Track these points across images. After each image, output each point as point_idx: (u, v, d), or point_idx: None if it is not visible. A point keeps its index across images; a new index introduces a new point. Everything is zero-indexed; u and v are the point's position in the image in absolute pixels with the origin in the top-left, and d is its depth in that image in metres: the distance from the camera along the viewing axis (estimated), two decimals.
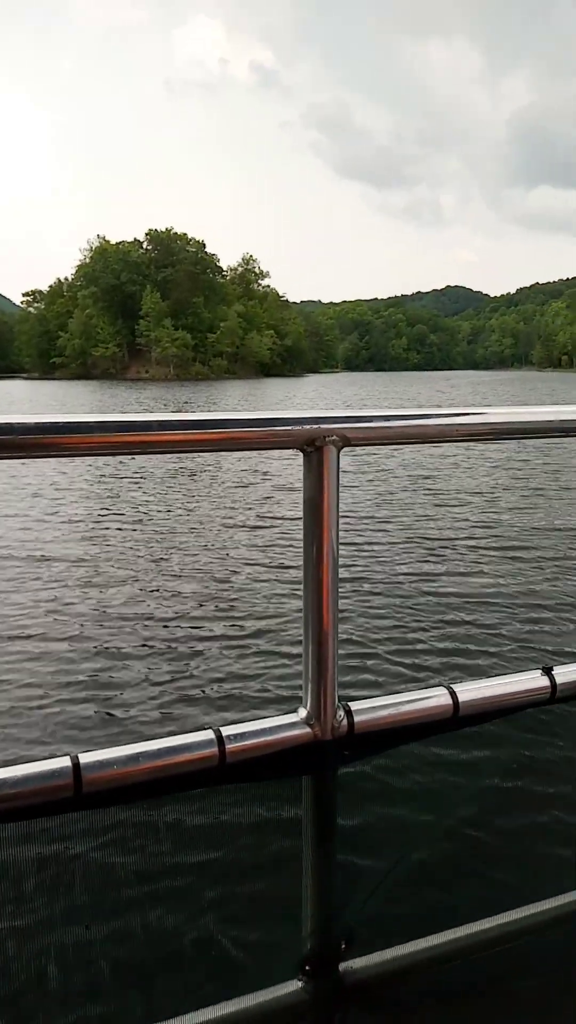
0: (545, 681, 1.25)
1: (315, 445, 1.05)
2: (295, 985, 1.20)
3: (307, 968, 1.21)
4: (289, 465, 18.40)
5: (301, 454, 1.07)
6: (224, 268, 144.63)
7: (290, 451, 1.08)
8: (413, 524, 12.66)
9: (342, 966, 1.23)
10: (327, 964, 1.22)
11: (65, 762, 0.96)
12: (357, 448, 1.11)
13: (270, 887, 1.24)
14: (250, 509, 14.17)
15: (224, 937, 1.24)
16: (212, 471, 19.28)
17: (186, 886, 1.19)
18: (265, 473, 18.59)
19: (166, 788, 1.03)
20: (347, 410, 1.11)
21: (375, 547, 10.89)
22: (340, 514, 1.09)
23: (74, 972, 1.15)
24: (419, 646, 7.07)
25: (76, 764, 0.96)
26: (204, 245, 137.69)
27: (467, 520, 12.89)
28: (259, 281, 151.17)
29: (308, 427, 1.04)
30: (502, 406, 1.23)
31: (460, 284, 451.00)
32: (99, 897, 1.15)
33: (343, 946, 1.23)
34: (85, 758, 0.97)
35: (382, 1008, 1.34)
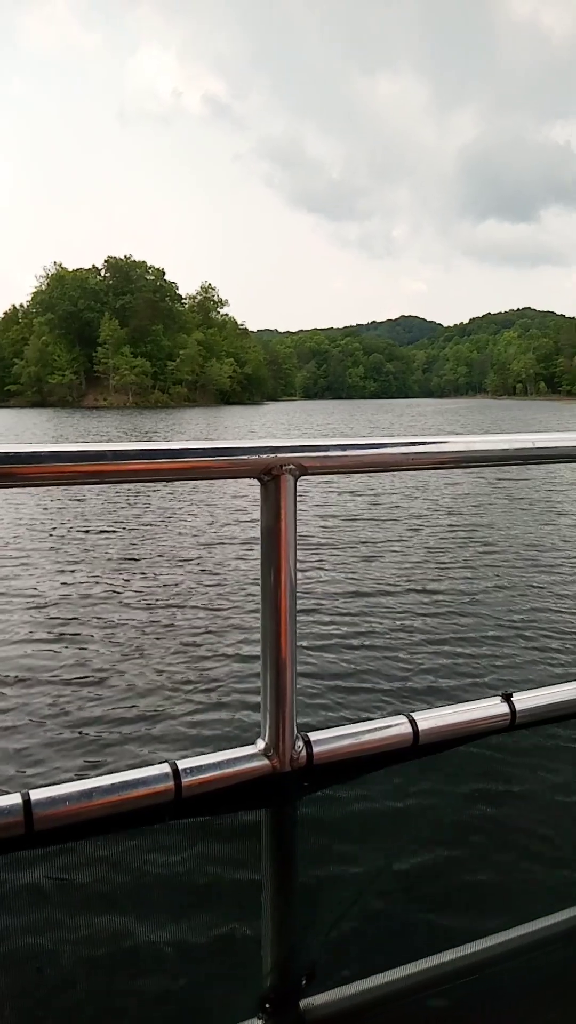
0: (505, 708, 1.25)
1: (272, 474, 1.04)
2: (256, 1023, 1.17)
3: (267, 1006, 1.18)
4: (246, 494, 18.51)
5: (259, 483, 1.06)
6: (183, 296, 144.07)
7: (247, 480, 1.07)
8: (371, 553, 12.58)
9: (303, 1002, 1.20)
10: (288, 1001, 1.19)
11: (16, 799, 0.94)
12: (315, 477, 1.11)
13: (229, 923, 1.22)
14: (206, 537, 14.04)
15: (183, 976, 1.22)
16: (168, 500, 19.09)
17: (142, 924, 1.17)
18: (222, 501, 18.51)
19: (121, 824, 1.00)
20: (304, 439, 1.10)
21: (333, 575, 10.85)
22: (298, 542, 1.09)
23: (24, 1016, 1.11)
24: (378, 675, 6.96)
25: (27, 801, 0.94)
26: (164, 273, 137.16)
27: (425, 548, 12.88)
28: (218, 309, 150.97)
29: (265, 456, 1.04)
30: (460, 435, 1.19)
31: (414, 314, 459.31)
32: (52, 938, 1.10)
33: (304, 982, 1.21)
34: (36, 794, 0.95)
35: None
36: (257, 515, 1.09)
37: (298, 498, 1.08)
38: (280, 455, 1.04)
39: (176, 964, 1.22)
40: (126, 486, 18.78)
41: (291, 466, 1.05)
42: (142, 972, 1.17)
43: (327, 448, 1.11)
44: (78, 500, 18.64)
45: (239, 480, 1.10)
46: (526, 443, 1.26)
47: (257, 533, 1.10)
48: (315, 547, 12.83)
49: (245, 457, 1.04)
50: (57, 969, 1.12)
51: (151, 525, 15.84)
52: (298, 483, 1.08)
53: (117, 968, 1.18)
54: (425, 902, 1.45)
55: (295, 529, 1.08)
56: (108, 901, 1.12)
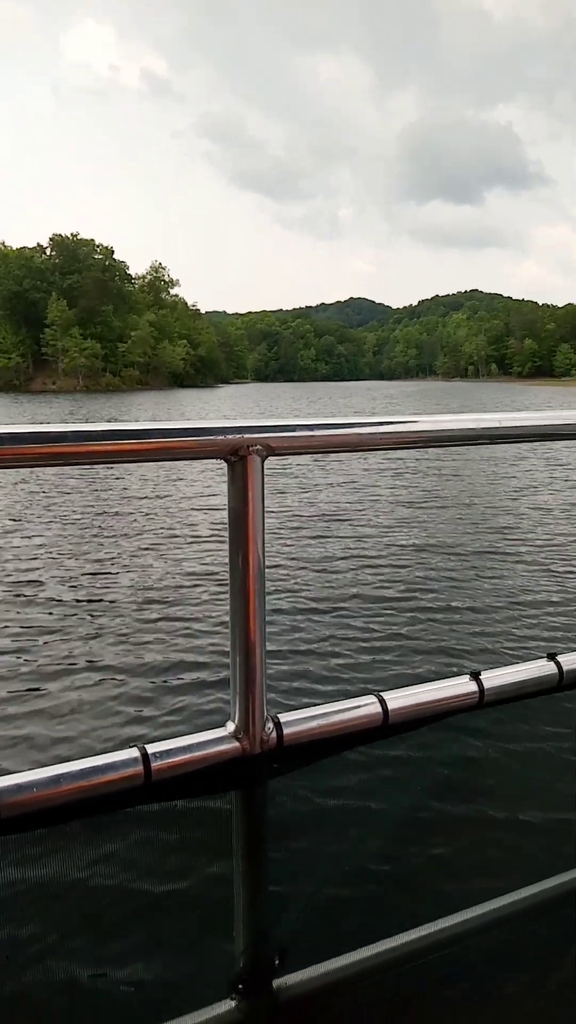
0: (474, 686, 1.26)
1: (239, 455, 1.03)
2: (229, 1004, 1.18)
3: (240, 987, 1.19)
4: (211, 474, 18.15)
5: (225, 464, 1.05)
6: (133, 276, 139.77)
7: (213, 461, 1.06)
8: (339, 533, 12.47)
9: (276, 982, 1.21)
10: (261, 981, 1.21)
11: None
12: (282, 457, 1.10)
13: (200, 905, 1.24)
14: (174, 519, 13.81)
15: (156, 958, 1.25)
16: (134, 481, 18.64)
17: (114, 909, 1.18)
18: (189, 483, 18.16)
19: (90, 809, 1.00)
20: (271, 419, 1.08)
21: (302, 556, 10.72)
22: (266, 524, 1.08)
23: None
24: (348, 656, 6.91)
25: None
26: (112, 251, 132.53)
27: (394, 529, 12.75)
28: (169, 290, 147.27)
29: (232, 436, 1.03)
30: (426, 414, 1.22)
31: (363, 296, 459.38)
32: (20, 925, 1.11)
33: (276, 962, 1.22)
34: (2, 782, 0.94)
35: (318, 1023, 1.33)
36: (224, 497, 1.07)
37: (265, 479, 1.07)
38: (247, 435, 1.03)
39: (148, 947, 1.25)
40: (90, 468, 18.19)
41: (258, 447, 1.04)
42: (114, 956, 1.21)
43: (294, 428, 1.09)
44: (40, 483, 18.03)
45: (207, 461, 1.08)
46: (492, 422, 1.26)
47: (225, 515, 1.08)
48: (283, 528, 12.58)
49: (211, 438, 1.03)
50: (26, 956, 1.11)
51: (116, 508, 15.39)
52: (265, 464, 1.06)
53: (88, 953, 1.17)
54: (396, 880, 1.45)
55: (263, 510, 1.07)
56: (78, 887, 1.11)
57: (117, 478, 19.06)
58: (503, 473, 19.54)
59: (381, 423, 1.18)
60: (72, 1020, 1.19)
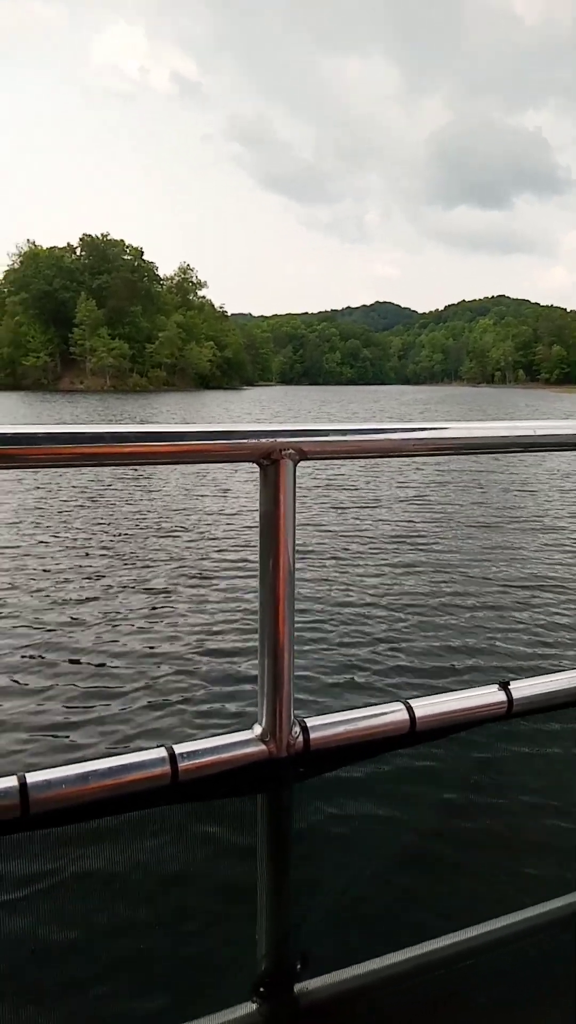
0: (502, 696, 1.25)
1: (271, 458, 1.03)
2: (250, 1007, 1.17)
3: (262, 990, 1.19)
4: (243, 478, 18.22)
5: (258, 467, 1.05)
6: (161, 277, 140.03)
7: (246, 464, 1.06)
8: (370, 538, 12.36)
9: (297, 987, 1.20)
10: (282, 985, 1.20)
11: (12, 781, 0.94)
12: (314, 461, 1.10)
13: (224, 907, 1.25)
14: (205, 522, 13.71)
15: (177, 959, 1.25)
16: (167, 484, 18.66)
17: (137, 907, 1.20)
18: (221, 486, 18.08)
19: (117, 807, 1.00)
20: (303, 423, 1.09)
21: (333, 561, 10.66)
22: (296, 527, 1.08)
23: (19, 998, 1.12)
24: (376, 662, 6.84)
25: (23, 783, 0.94)
26: (142, 252, 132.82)
27: (425, 535, 12.68)
28: (196, 291, 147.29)
29: (264, 440, 1.03)
30: (459, 421, 1.25)
31: (389, 300, 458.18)
32: (46, 920, 1.11)
33: (298, 966, 1.21)
34: (32, 777, 0.95)
35: None
36: (257, 500, 1.07)
37: (297, 483, 1.07)
38: (279, 439, 1.03)
39: (171, 947, 1.23)
40: (124, 469, 18.62)
41: (291, 451, 1.04)
42: (136, 955, 1.19)
43: (327, 433, 1.09)
44: (75, 482, 18.07)
45: (239, 464, 1.09)
46: (527, 430, 1.25)
47: (256, 518, 1.08)
48: (314, 532, 12.57)
49: (244, 441, 1.03)
50: (50, 951, 1.13)
51: (149, 509, 15.42)
52: (297, 468, 1.06)
53: (111, 951, 1.18)
54: (420, 888, 1.45)
55: (294, 514, 1.07)
56: (103, 884, 1.13)
57: (146, 478, 19.12)
58: (540, 483, 19.24)
59: (414, 429, 1.17)
60: (92, 1017, 1.20)
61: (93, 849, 1.05)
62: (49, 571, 10.16)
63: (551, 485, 18.75)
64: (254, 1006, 1.17)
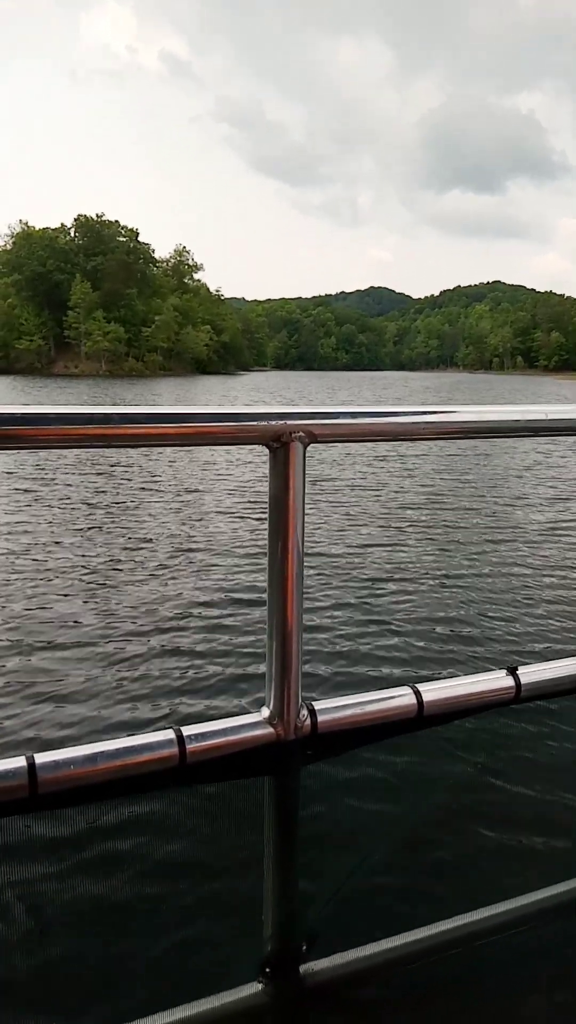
0: (510, 681, 1.25)
1: (281, 441, 1.03)
2: (256, 987, 1.19)
3: (268, 970, 1.20)
4: (251, 461, 17.99)
5: (267, 450, 1.04)
6: (157, 259, 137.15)
7: (256, 447, 1.06)
8: (380, 522, 12.22)
9: (303, 968, 1.22)
10: (288, 966, 1.21)
11: (20, 762, 0.94)
12: (324, 444, 1.09)
13: (231, 888, 1.26)
14: (214, 504, 13.60)
15: (184, 939, 1.27)
16: (175, 465, 18.48)
17: (145, 888, 1.22)
18: (230, 468, 17.86)
19: (125, 789, 1.01)
20: (313, 406, 1.09)
21: (341, 544, 10.52)
22: (306, 510, 1.08)
23: (29, 977, 1.13)
24: (384, 646, 6.74)
25: (32, 764, 0.94)
26: (137, 233, 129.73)
27: (434, 519, 12.58)
28: (192, 274, 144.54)
29: (274, 423, 1.02)
30: (469, 404, 1.20)
31: (383, 285, 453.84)
32: (55, 900, 1.12)
33: (304, 947, 1.23)
34: (41, 758, 0.95)
35: (343, 1010, 1.34)
36: (266, 482, 1.06)
37: (307, 466, 1.06)
38: (289, 422, 1.03)
39: (178, 928, 1.26)
40: (132, 450, 17.74)
41: (300, 433, 1.03)
42: (144, 935, 1.22)
43: (337, 416, 1.09)
44: (82, 462, 17.89)
45: (248, 447, 1.08)
46: (538, 414, 1.23)
47: (265, 500, 1.07)
48: (323, 515, 12.43)
49: (254, 423, 1.02)
50: (59, 930, 1.13)
51: (156, 490, 15.30)
52: (307, 451, 1.05)
53: (119, 931, 1.20)
54: (426, 871, 1.47)
55: (303, 497, 1.06)
56: (111, 865, 1.15)
57: (158, 458, 18.98)
58: (549, 467, 18.96)
59: (424, 412, 1.15)
60: (100, 996, 1.20)
61: (101, 830, 1.06)
62: (56, 551, 10.10)
63: (562, 469, 18.55)
64: (260, 987, 1.18)
